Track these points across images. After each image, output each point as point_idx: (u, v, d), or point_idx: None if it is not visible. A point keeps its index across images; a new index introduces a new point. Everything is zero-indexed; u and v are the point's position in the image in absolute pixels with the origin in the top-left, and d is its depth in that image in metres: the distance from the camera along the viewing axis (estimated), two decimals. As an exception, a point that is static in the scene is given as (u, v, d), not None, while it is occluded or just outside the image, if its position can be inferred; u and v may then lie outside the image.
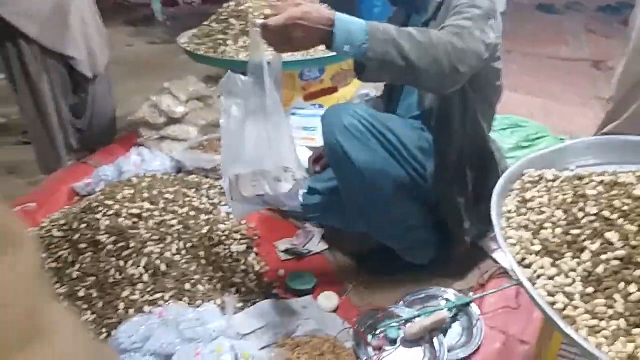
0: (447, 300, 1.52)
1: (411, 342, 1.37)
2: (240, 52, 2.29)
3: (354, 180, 1.46)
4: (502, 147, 1.98)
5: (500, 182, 1.24)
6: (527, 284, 0.97)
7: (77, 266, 1.45)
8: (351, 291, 1.58)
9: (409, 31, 1.22)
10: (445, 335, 1.42)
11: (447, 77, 1.24)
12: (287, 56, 2.24)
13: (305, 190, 1.73)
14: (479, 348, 1.38)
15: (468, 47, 1.24)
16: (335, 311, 1.51)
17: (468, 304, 1.49)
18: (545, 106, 3.01)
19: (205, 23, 2.56)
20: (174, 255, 1.48)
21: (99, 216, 1.50)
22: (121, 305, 1.34)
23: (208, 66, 2.63)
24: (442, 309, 1.44)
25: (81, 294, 1.39)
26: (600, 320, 0.90)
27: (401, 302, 1.52)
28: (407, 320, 1.41)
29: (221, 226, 1.77)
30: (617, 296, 0.91)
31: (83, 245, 1.47)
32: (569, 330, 0.88)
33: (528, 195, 1.20)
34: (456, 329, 1.46)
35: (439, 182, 1.50)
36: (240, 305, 1.42)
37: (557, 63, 4.04)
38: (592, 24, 5.07)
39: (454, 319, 1.47)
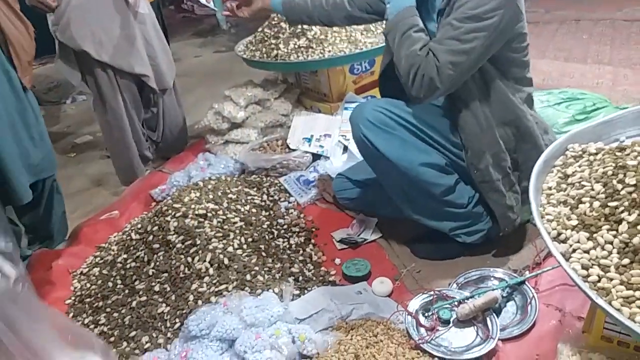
0: (501, 280, 1.52)
1: (463, 322, 1.40)
2: (292, 54, 2.39)
3: (389, 170, 1.51)
4: (557, 122, 1.93)
5: (541, 159, 1.24)
6: (560, 258, 0.99)
7: (152, 264, 1.63)
8: (405, 276, 1.63)
9: (410, 35, 1.41)
10: (499, 314, 1.43)
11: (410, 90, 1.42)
12: (336, 53, 2.32)
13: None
14: (533, 325, 1.38)
15: (427, 74, 1.36)
16: (389, 296, 1.56)
17: (521, 283, 1.49)
18: (616, 74, 2.84)
19: (259, 29, 2.70)
20: (236, 249, 1.61)
21: (168, 218, 1.67)
22: (190, 297, 1.49)
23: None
24: (494, 289, 1.45)
25: (156, 288, 1.56)
26: (635, 290, 0.89)
27: (454, 284, 1.55)
28: (459, 301, 1.44)
29: (280, 221, 1.88)
30: (654, 266, 0.90)
31: (156, 245, 1.65)
32: (600, 301, 0.89)
33: (569, 171, 1.20)
34: (511, 307, 1.46)
35: (471, 162, 1.51)
36: (298, 292, 1.52)
37: (634, 25, 3.76)
38: (674, -23, 4.65)
39: (509, 298, 1.48)
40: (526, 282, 1.49)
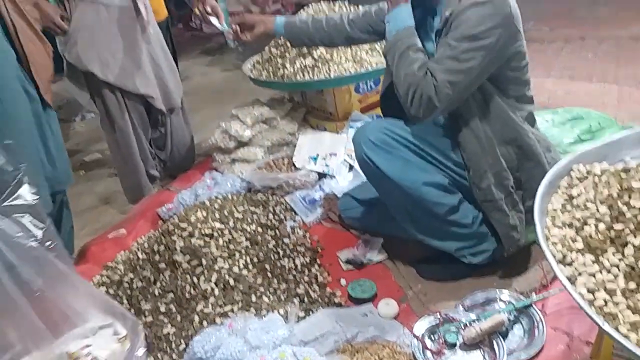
0: (507, 302, 1.51)
1: (470, 345, 1.39)
2: (297, 73, 2.42)
3: (392, 191, 1.52)
4: (562, 141, 1.93)
5: (545, 180, 1.23)
6: (565, 282, 0.98)
7: (158, 284, 1.63)
8: (411, 298, 1.62)
9: (409, 55, 1.43)
10: (505, 338, 1.42)
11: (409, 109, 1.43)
12: (341, 72, 2.35)
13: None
14: (541, 350, 1.37)
15: (425, 93, 1.38)
16: (395, 318, 1.55)
17: (528, 306, 1.47)
18: (622, 92, 2.84)
19: (266, 49, 2.74)
20: (242, 269, 1.61)
21: (174, 238, 1.68)
22: (196, 318, 1.49)
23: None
24: (501, 312, 1.44)
25: (162, 309, 1.56)
26: (643, 315, 0.89)
27: (460, 306, 1.54)
28: (466, 324, 1.43)
29: (286, 240, 1.89)
30: (660, 291, 0.90)
31: (162, 265, 1.66)
32: (606, 327, 0.88)
33: (574, 192, 1.19)
34: (518, 331, 1.45)
35: (474, 181, 1.51)
36: (303, 314, 1.52)
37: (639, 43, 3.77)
38: (679, -5, 4.67)
39: (516, 321, 1.47)
40: (533, 305, 1.48)
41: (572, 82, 3.07)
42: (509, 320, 1.43)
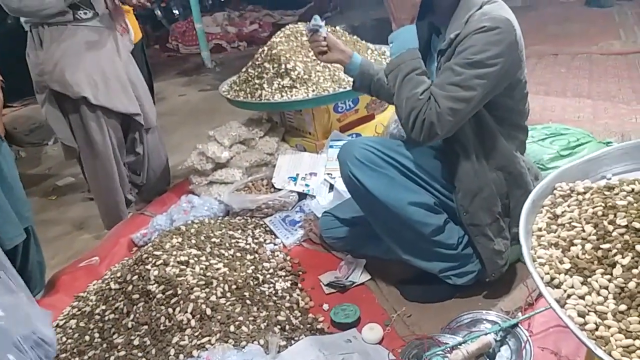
0: (493, 322, 1.48)
1: (458, 369, 1.34)
2: (275, 94, 2.39)
3: (377, 210, 1.50)
4: (542, 158, 1.93)
5: (529, 199, 1.21)
6: (555, 306, 0.95)
7: (132, 316, 1.55)
8: (395, 321, 1.58)
9: (412, 78, 1.41)
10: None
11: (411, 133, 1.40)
12: (320, 92, 2.32)
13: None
14: (529, 371, 1.33)
15: (428, 118, 1.36)
16: (380, 342, 1.51)
17: (515, 326, 1.44)
18: (596, 107, 2.88)
19: (243, 70, 2.70)
20: (219, 298, 1.55)
21: (148, 267, 1.61)
22: (172, 352, 1.41)
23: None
24: (488, 333, 1.40)
25: (136, 342, 1.48)
26: (635, 339, 0.86)
27: (446, 329, 1.50)
28: (452, 348, 1.39)
29: (266, 264, 1.83)
30: (651, 312, 0.87)
31: (136, 296, 1.58)
32: (599, 352, 0.85)
33: (559, 211, 1.17)
34: (505, 352, 1.41)
35: (462, 203, 1.50)
36: (284, 343, 1.45)
37: (610, 59, 3.86)
38: (646, 12, 4.83)
39: (502, 341, 1.43)
40: (519, 325, 1.45)
41: (548, 97, 3.11)
42: (495, 341, 1.40)
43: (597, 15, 5.12)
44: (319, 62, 2.50)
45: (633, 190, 1.09)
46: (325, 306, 1.67)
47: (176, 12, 7.20)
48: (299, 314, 1.61)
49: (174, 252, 1.66)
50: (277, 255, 1.93)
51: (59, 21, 2.15)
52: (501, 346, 1.42)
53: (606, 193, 1.14)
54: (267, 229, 2.13)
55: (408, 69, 1.42)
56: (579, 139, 1.95)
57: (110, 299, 1.65)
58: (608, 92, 3.17)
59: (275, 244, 2.03)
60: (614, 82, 3.34)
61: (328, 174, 2.28)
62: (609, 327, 0.89)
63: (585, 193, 1.19)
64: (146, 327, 1.50)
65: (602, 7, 5.31)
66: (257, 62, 2.61)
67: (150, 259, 1.63)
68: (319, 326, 1.58)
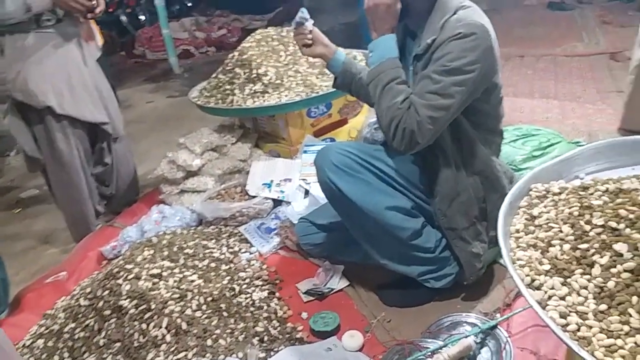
0: (473, 325, 1.48)
1: (439, 374, 1.34)
2: (247, 99, 2.35)
3: (355, 214, 1.49)
4: (514, 159, 1.95)
5: (506, 201, 1.22)
6: (537, 307, 0.94)
7: (103, 333, 1.49)
8: (375, 327, 1.56)
9: (392, 87, 1.40)
10: (475, 363, 1.38)
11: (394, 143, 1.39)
12: (292, 97, 2.30)
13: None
14: (510, 372, 1.34)
15: (408, 127, 1.35)
16: (361, 349, 1.49)
17: (494, 327, 1.44)
18: (563, 107, 2.94)
19: (213, 75, 2.66)
20: (195, 311, 1.50)
21: (120, 281, 1.55)
22: (147, 369, 1.36)
23: (221, 116, 2.71)
24: (468, 336, 1.40)
25: (109, 360, 1.43)
26: (616, 338, 0.86)
27: (426, 333, 1.49)
28: (433, 352, 1.38)
29: (242, 274, 1.79)
30: (631, 310, 0.88)
31: (107, 312, 1.52)
32: (582, 353, 0.85)
33: (535, 212, 1.18)
34: (485, 354, 1.41)
35: (439, 207, 1.50)
36: (263, 355, 1.42)
37: (574, 60, 3.95)
38: (606, 15, 4.96)
39: (482, 343, 1.43)
40: (498, 326, 1.45)
41: (516, 99, 3.16)
42: (476, 343, 1.40)
43: (559, 18, 5.24)
44: (290, 67, 2.48)
45: (607, 189, 1.10)
46: (304, 314, 1.65)
47: (142, 17, 7.06)
48: (277, 324, 1.58)
49: (146, 265, 1.61)
50: (253, 265, 1.89)
51: (22, 29, 2.07)
52: (481, 348, 1.42)
53: (581, 193, 1.15)
54: (242, 237, 2.09)
55: (388, 79, 1.41)
56: (549, 139, 1.98)
57: (80, 316, 1.58)
58: (573, 92, 3.24)
59: (251, 253, 1.99)
60: (579, 83, 3.42)
61: (303, 179, 2.25)
62: (591, 328, 0.89)
63: (560, 193, 1.20)
64: (119, 344, 1.44)
65: (564, 10, 5.45)
66: (227, 68, 2.57)
67: (121, 273, 1.57)
68: (298, 335, 1.55)
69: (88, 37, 2.35)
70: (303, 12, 1.65)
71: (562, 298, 0.96)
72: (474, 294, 1.62)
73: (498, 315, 1.51)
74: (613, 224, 0.99)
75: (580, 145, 1.88)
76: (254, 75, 2.41)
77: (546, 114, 2.83)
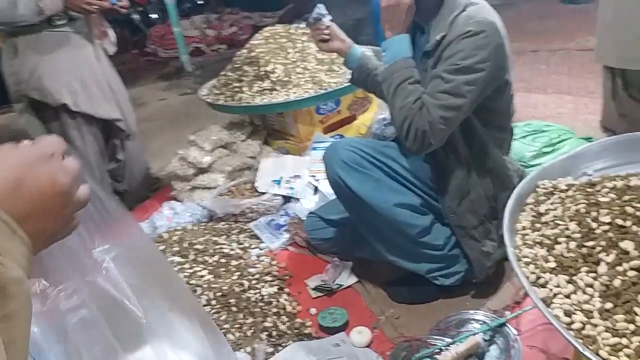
0: (482, 322, 1.48)
1: (446, 370, 1.34)
2: (256, 96, 2.37)
3: (363, 211, 1.49)
4: (524, 155, 1.94)
5: (512, 198, 1.21)
6: (541, 306, 0.94)
7: (115, 327, 1.52)
8: (383, 323, 1.57)
9: (405, 87, 1.39)
10: (482, 360, 1.38)
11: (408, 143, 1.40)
12: (300, 94, 2.31)
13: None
14: (518, 370, 1.33)
15: (420, 128, 1.35)
16: (368, 346, 1.50)
17: (503, 325, 1.44)
18: (577, 103, 2.91)
19: (222, 73, 2.67)
20: (205, 306, 1.53)
21: (130, 276, 1.57)
22: (157, 363, 1.38)
23: (230, 113, 2.72)
24: (476, 333, 1.40)
25: (120, 354, 1.45)
26: (622, 337, 0.86)
27: (434, 329, 1.49)
28: (441, 349, 1.38)
29: (251, 270, 1.81)
30: (637, 309, 0.87)
31: (118, 307, 1.54)
32: (586, 352, 0.85)
33: (542, 209, 1.17)
34: (494, 351, 1.41)
35: (449, 205, 1.50)
36: (271, 350, 1.44)
37: (587, 55, 3.90)
38: (621, 8, 4.89)
39: (491, 341, 1.43)
40: (507, 324, 1.45)
41: (529, 94, 3.13)
42: (484, 340, 1.40)
43: (573, 11, 5.17)
44: (298, 64, 2.49)
45: (615, 186, 1.10)
46: (313, 310, 1.66)
47: (154, 16, 7.11)
48: (286, 319, 1.59)
49: (157, 261, 1.63)
50: (263, 260, 1.91)
51: (35, 29, 2.11)
52: (490, 346, 1.42)
53: (588, 190, 1.14)
54: (252, 233, 2.11)
55: (401, 79, 1.41)
56: (560, 135, 1.96)
57: (93, 310, 1.61)
58: (587, 87, 3.20)
59: (260, 249, 2.00)
60: (592, 78, 3.36)
61: (312, 176, 2.26)
62: (596, 326, 0.89)
63: (567, 190, 1.19)
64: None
65: (578, 3, 5.38)
66: (236, 65, 2.58)
67: (132, 269, 1.59)
68: (306, 331, 1.56)
69: (101, 35, 2.38)
70: (320, 8, 1.66)
71: (568, 296, 0.95)
72: (483, 291, 1.62)
73: (507, 312, 1.51)
74: (620, 222, 0.98)
75: (590, 142, 1.86)
76: (262, 72, 2.42)
77: (559, 109, 2.81)
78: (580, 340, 0.87)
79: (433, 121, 1.33)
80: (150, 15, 7.10)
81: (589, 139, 2.05)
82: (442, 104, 1.34)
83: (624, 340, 0.85)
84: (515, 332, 1.42)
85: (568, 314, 0.92)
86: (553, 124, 2.09)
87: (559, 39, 4.35)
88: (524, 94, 3.15)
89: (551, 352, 1.36)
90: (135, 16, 6.88)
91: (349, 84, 2.31)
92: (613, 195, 1.06)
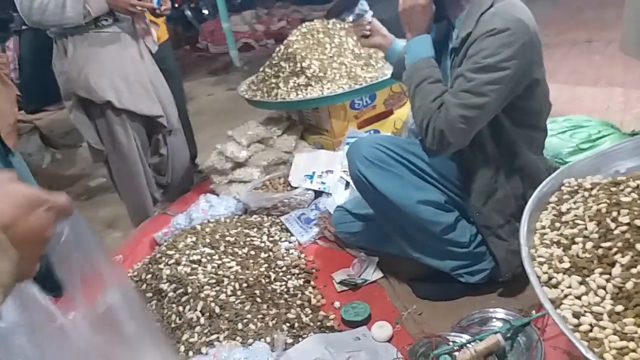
0: (504, 321, 1.45)
1: (465, 369, 1.33)
2: (291, 92, 2.40)
3: (386, 208, 1.49)
4: (561, 152, 1.87)
5: (534, 196, 1.19)
6: (548, 306, 0.92)
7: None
8: (405, 319, 1.56)
9: (425, 87, 1.40)
10: (504, 359, 1.35)
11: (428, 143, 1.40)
12: (335, 89, 2.32)
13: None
14: (540, 372, 1.30)
15: (438, 127, 1.35)
16: (389, 341, 1.50)
17: (526, 324, 1.41)
18: (628, 96, 2.76)
19: (261, 69, 2.73)
20: (229, 296, 1.57)
21: (161, 266, 1.65)
22: (182, 348, 1.45)
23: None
24: (497, 332, 1.37)
25: (149, 339, 1.53)
26: (629, 340, 0.83)
27: (457, 327, 1.48)
28: (460, 346, 1.37)
29: (280, 262, 1.84)
30: (648, 314, 0.84)
31: (149, 294, 1.63)
32: (590, 355, 0.82)
33: (564, 208, 1.14)
34: (516, 351, 1.38)
35: (474, 204, 1.47)
36: (291, 340, 1.47)
37: (646, 44, 3.67)
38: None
39: (513, 340, 1.40)
40: (531, 323, 1.41)
41: (577, 87, 3.00)
42: (506, 339, 1.37)
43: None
44: (335, 59, 2.50)
45: (638, 186, 1.05)
46: (337, 304, 1.68)
47: (205, 11, 7.30)
48: (309, 312, 1.62)
49: (187, 252, 1.70)
50: (292, 253, 1.94)
51: (82, 30, 2.23)
52: (512, 345, 1.40)
53: (612, 189, 1.10)
54: (283, 227, 2.15)
55: (420, 79, 1.41)
56: (600, 130, 1.87)
57: (127, 297, 1.71)
58: (641, 79, 3.03)
59: (290, 242, 2.04)
60: (651, 69, 3.19)
61: (344, 171, 2.27)
62: (604, 329, 0.86)
63: (592, 189, 1.15)
64: (158, 324, 1.55)
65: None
66: (274, 61, 2.63)
67: (163, 259, 1.67)
68: (329, 324, 1.58)
69: (144, 34, 2.48)
70: (362, 5, 1.68)
71: (578, 297, 0.93)
72: (510, 290, 1.58)
73: (533, 312, 1.47)
74: (638, 222, 0.94)
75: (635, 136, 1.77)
76: (298, 68, 2.45)
77: (607, 102, 2.67)
78: (586, 343, 0.85)
79: (451, 120, 1.31)
80: (202, 11, 7.28)
81: (634, 134, 1.95)
82: (462, 102, 1.31)
83: (632, 344, 0.82)
84: (538, 332, 1.38)
85: (577, 315, 0.89)
86: (594, 118, 1.99)
87: (615, 28, 4.11)
88: (572, 86, 3.02)
89: (575, 354, 1.32)
90: (188, 12, 7.09)
91: (384, 78, 2.32)
92: (635, 195, 1.02)
